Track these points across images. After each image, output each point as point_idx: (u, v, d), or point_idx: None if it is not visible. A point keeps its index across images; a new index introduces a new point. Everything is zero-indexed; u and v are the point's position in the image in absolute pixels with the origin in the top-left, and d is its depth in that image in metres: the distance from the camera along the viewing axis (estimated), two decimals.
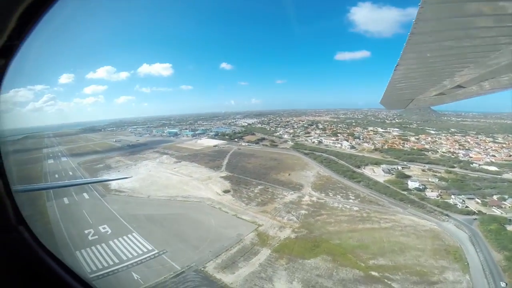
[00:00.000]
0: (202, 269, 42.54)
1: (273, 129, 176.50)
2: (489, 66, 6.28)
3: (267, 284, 39.33)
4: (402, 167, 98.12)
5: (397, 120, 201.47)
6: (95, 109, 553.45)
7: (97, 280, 38.50)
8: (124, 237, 51.10)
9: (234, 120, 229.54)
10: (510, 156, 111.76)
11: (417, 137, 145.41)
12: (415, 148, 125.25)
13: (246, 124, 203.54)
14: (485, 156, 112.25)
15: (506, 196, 72.87)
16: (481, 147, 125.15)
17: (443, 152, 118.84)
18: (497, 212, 65.01)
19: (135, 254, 45.76)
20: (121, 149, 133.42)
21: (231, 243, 50.22)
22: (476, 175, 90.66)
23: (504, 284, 45.29)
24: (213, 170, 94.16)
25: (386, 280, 39.57)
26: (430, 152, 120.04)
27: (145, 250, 47.18)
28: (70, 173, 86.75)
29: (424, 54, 5.97)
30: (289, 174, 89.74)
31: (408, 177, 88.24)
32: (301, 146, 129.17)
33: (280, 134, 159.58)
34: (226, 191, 75.87)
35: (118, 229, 54.00)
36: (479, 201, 70.66)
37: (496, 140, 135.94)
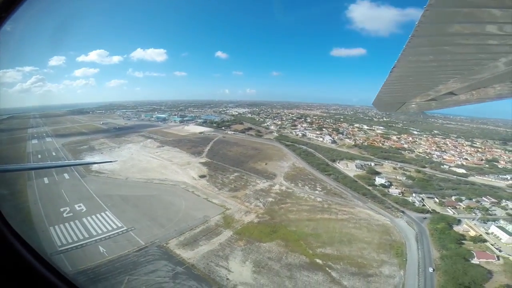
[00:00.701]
0: (165, 245, 46.98)
1: (262, 119, 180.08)
2: (483, 75, 6.35)
3: (222, 262, 44.01)
4: (375, 164, 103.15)
5: (384, 119, 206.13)
6: (86, 92, 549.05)
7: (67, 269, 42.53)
8: (97, 215, 55.08)
9: (225, 109, 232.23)
10: (481, 160, 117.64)
11: (398, 136, 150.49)
12: (393, 146, 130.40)
13: (237, 113, 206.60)
14: (457, 158, 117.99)
15: (464, 198, 78.39)
16: (457, 150, 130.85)
17: (419, 152, 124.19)
18: (450, 212, 70.14)
19: (105, 230, 49.92)
20: (107, 131, 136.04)
21: (197, 224, 54.71)
22: (443, 176, 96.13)
23: (432, 269, 51.11)
24: (194, 156, 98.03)
25: (327, 269, 43.95)
26: (407, 151, 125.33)
27: (114, 227, 51.35)
28: (53, 153, 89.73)
29: (421, 58, 6.00)
30: (265, 164, 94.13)
31: (378, 173, 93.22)
32: (285, 138, 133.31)
33: (267, 125, 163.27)
34: (202, 176, 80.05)
35: (93, 207, 57.85)
36: (437, 200, 75.89)
37: (474, 144, 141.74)
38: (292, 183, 79.57)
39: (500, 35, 4.61)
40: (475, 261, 49.30)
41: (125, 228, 50.94)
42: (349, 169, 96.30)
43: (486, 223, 64.13)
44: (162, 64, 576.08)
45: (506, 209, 73.65)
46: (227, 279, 39.74)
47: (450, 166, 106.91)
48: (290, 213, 62.53)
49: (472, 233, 59.70)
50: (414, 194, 78.41)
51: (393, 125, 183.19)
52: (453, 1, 3.99)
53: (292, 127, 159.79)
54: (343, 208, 66.20)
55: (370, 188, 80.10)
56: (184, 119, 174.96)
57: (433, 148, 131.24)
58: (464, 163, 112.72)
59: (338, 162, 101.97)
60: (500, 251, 53.03)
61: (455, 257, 49.05)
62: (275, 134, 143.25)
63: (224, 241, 49.74)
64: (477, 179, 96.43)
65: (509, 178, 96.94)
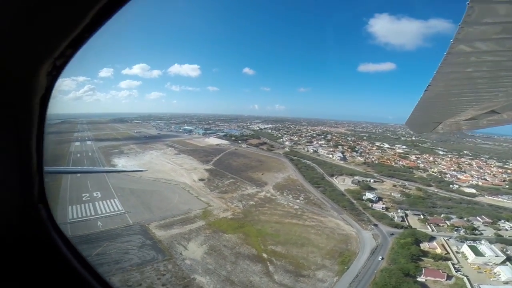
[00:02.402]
0: (147, 225, 60.57)
1: (280, 135, 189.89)
2: None
3: (184, 242, 55.67)
4: (375, 181, 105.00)
5: (413, 138, 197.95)
6: (129, 102, 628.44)
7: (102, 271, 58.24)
8: (107, 200, 71.81)
9: (249, 124, 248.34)
10: (503, 181, 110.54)
11: (418, 156, 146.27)
12: (406, 165, 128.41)
13: (258, 128, 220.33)
14: (475, 179, 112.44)
15: (454, 217, 77.96)
16: (480, 170, 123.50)
17: (433, 172, 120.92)
18: (429, 229, 70.79)
19: (108, 211, 65.86)
20: (138, 139, 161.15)
21: (179, 214, 67.56)
22: (446, 195, 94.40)
23: (381, 257, 55.09)
24: (202, 164, 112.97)
25: (268, 262, 51.13)
26: (419, 170, 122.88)
27: (116, 209, 67.09)
28: (90, 154, 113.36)
29: (458, 75, 5.77)
30: (262, 174, 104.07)
31: (373, 189, 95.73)
32: (294, 153, 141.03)
33: (282, 141, 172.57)
34: (201, 179, 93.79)
35: (106, 195, 75.03)
36: (422, 217, 76.63)
37: (505, 166, 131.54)
38: (278, 192, 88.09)
39: None
40: (421, 278, 49.82)
41: (123, 211, 66.30)
42: (344, 184, 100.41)
43: (464, 242, 63.68)
44: (196, 79, 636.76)
45: (500, 229, 72.16)
46: (180, 253, 51.13)
47: (460, 186, 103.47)
48: (263, 215, 71.46)
49: (438, 250, 60.24)
50: (399, 210, 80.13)
51: (420, 144, 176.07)
52: (488, 15, 3.81)
53: (308, 144, 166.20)
54: (314, 216, 72.49)
55: (354, 201, 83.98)
56: (207, 132, 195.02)
57: (452, 168, 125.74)
58: (481, 183, 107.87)
59: (336, 177, 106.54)
60: (457, 271, 53.53)
61: (396, 272, 49.82)
62: (287, 149, 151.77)
63: (194, 228, 61.41)
64: (486, 199, 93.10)
65: None
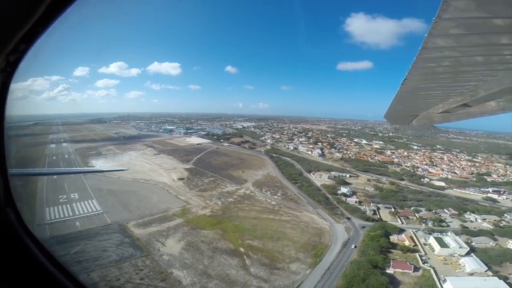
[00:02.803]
0: (125, 224, 61.94)
1: (263, 133, 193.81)
2: (497, 86, 6.33)
3: (162, 239, 57.66)
4: (351, 176, 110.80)
5: (390, 134, 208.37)
6: (107, 102, 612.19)
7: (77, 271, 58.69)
8: (85, 201, 72.15)
9: (232, 123, 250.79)
10: (471, 174, 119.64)
11: (393, 151, 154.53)
12: (381, 160, 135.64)
13: (241, 127, 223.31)
14: (445, 172, 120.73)
15: (423, 209, 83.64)
16: (451, 164, 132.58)
17: (406, 166, 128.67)
18: (398, 222, 75.41)
19: (86, 211, 66.49)
20: (116, 140, 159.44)
21: (157, 212, 69.24)
22: (417, 189, 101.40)
23: (354, 245, 59.46)
24: (182, 163, 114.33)
25: (244, 256, 53.81)
26: (394, 165, 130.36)
27: (94, 210, 67.77)
28: (66, 156, 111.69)
29: (432, 70, 5.99)
30: (242, 172, 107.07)
31: (348, 184, 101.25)
32: (275, 151, 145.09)
33: (264, 139, 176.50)
34: (180, 179, 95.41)
35: (84, 196, 75.24)
36: (393, 210, 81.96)
37: (474, 159, 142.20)
38: (257, 189, 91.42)
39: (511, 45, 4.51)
40: (390, 270, 52.21)
41: (101, 211, 67.15)
42: (321, 179, 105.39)
43: (431, 234, 67.68)
44: (177, 77, 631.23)
45: (465, 221, 77.99)
46: (158, 250, 53.21)
47: (431, 180, 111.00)
48: (241, 212, 74.47)
49: (406, 243, 63.20)
50: (371, 204, 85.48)
51: (396, 140, 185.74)
52: (462, 11, 3.94)
53: (289, 141, 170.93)
54: (290, 211, 76.29)
55: (330, 196, 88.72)
56: (189, 131, 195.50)
57: (424, 162, 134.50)
58: (450, 176, 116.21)
59: (313, 173, 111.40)
60: (424, 262, 56.46)
61: (365, 264, 51.81)
62: (268, 147, 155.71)
63: (172, 226, 63.44)
64: (455, 192, 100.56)
65: (490, 191, 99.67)
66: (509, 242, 64.69)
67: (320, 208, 79.37)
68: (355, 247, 60.58)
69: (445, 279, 50.11)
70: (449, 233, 67.78)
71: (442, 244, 61.81)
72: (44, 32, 1.90)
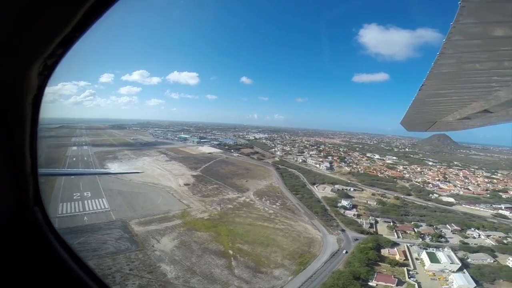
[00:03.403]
0: (127, 221, 68.07)
1: (273, 145, 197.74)
2: None
3: (158, 237, 62.91)
4: (355, 189, 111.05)
5: (406, 150, 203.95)
6: (129, 108, 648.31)
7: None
8: (96, 199, 79.79)
9: (246, 134, 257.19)
10: (486, 190, 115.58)
11: (405, 166, 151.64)
12: (391, 175, 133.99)
13: (253, 138, 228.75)
14: (457, 188, 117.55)
15: (423, 224, 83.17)
16: (466, 180, 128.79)
17: (416, 182, 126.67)
18: (395, 236, 75.58)
19: (95, 208, 73.70)
20: (133, 145, 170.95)
21: (159, 213, 74.92)
22: (422, 204, 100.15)
23: (345, 251, 61.13)
24: (190, 170, 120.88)
25: (232, 258, 57.22)
26: (403, 180, 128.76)
27: (102, 207, 74.93)
28: (85, 158, 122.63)
29: (451, 75, 6.02)
30: (246, 181, 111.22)
31: (350, 197, 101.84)
32: (282, 163, 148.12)
33: (274, 151, 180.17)
34: (186, 184, 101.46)
35: (96, 195, 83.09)
36: (391, 224, 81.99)
37: (492, 176, 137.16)
38: (257, 197, 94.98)
39: None
40: (373, 283, 52.64)
41: (108, 209, 74.11)
42: (324, 192, 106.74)
43: (427, 249, 67.20)
44: (195, 86, 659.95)
45: (467, 237, 76.74)
46: (152, 246, 58.36)
47: (440, 195, 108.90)
48: (238, 218, 78.31)
49: (397, 257, 63.30)
50: (370, 217, 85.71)
51: (411, 156, 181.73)
52: (480, 14, 3.92)
53: (298, 154, 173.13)
54: (286, 220, 78.85)
55: (328, 208, 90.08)
56: (202, 140, 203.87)
57: (437, 178, 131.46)
58: (462, 192, 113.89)
59: (317, 186, 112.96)
60: (411, 277, 56.48)
61: (347, 274, 52.91)
62: (277, 159, 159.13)
63: (170, 226, 68.63)
64: (463, 208, 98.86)
65: (503, 207, 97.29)
66: (509, 260, 63.19)
67: (316, 219, 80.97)
68: (346, 252, 62.81)
69: None
70: (445, 249, 67.08)
71: (433, 259, 61.53)
72: (80, 38, 2.03)
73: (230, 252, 60.34)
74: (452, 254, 64.25)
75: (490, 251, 67.64)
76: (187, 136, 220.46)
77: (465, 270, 58.34)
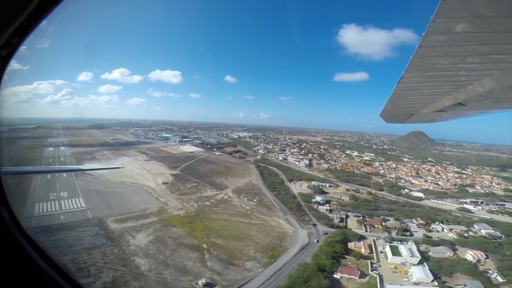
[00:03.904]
0: (104, 219, 70.39)
1: (256, 144, 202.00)
2: (492, 85, 6.50)
3: (133, 233, 65.70)
4: (330, 185, 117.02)
5: (385, 147, 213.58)
6: (109, 108, 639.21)
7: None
8: (72, 199, 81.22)
9: (230, 132, 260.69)
10: (454, 185, 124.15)
11: (381, 163, 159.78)
12: (367, 172, 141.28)
13: (237, 137, 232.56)
14: (428, 183, 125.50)
15: (391, 219, 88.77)
16: (437, 176, 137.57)
17: (390, 177, 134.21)
18: (362, 230, 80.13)
19: (71, 207, 75.42)
20: (112, 145, 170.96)
21: (136, 211, 77.49)
22: (393, 199, 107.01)
23: (316, 240, 64.89)
24: (170, 169, 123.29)
25: (205, 252, 60.71)
26: (378, 176, 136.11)
27: (79, 206, 76.69)
28: (62, 159, 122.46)
29: (429, 68, 6.25)
30: (226, 179, 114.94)
31: (325, 193, 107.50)
32: (263, 161, 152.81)
33: (257, 149, 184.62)
34: (165, 183, 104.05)
35: (72, 195, 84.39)
36: (361, 219, 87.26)
37: (463, 171, 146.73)
38: (235, 194, 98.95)
39: (510, 44, 4.70)
40: (337, 275, 56.04)
41: (85, 208, 76.01)
42: (300, 188, 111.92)
43: (392, 243, 71.08)
44: (178, 85, 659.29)
45: (431, 231, 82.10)
46: (128, 241, 61.26)
47: (411, 190, 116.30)
48: (214, 214, 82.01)
49: (363, 250, 66.94)
50: (341, 212, 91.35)
51: (388, 152, 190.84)
52: (460, 10, 4.10)
53: (280, 152, 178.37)
54: (261, 216, 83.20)
55: (303, 204, 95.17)
56: (184, 139, 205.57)
57: (410, 174, 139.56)
58: (432, 187, 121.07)
59: (294, 182, 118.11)
60: (373, 270, 59.68)
61: (312, 267, 56.16)
62: (258, 157, 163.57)
63: (146, 223, 71.46)
64: (431, 202, 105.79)
65: (468, 201, 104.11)
66: (467, 253, 67.08)
67: (290, 215, 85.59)
68: (318, 241, 68.22)
69: (385, 287, 53.63)
70: (408, 242, 71.02)
71: (395, 252, 65.34)
72: (36, 27, 1.90)
73: (204, 246, 63.96)
74: (413, 247, 68.19)
75: (450, 244, 72.18)
76: (169, 135, 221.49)
77: (425, 263, 61.76)
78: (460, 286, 55.34)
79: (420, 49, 5.12)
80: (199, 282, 49.72)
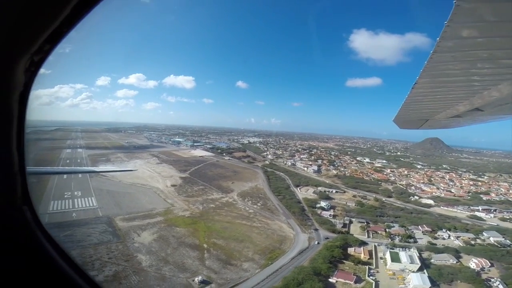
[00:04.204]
0: (113, 217, 74.82)
1: (266, 149, 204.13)
2: (510, 90, 6.44)
3: (139, 231, 69.52)
4: (337, 191, 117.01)
5: (398, 153, 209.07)
6: (125, 112, 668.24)
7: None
8: (85, 198, 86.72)
9: (240, 137, 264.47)
10: (468, 193, 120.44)
11: (393, 170, 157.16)
12: (376, 178, 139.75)
13: (247, 142, 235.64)
14: (440, 191, 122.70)
15: (396, 225, 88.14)
16: (450, 183, 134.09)
17: (400, 184, 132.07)
18: (365, 236, 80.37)
19: (84, 206, 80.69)
20: (126, 148, 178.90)
21: (143, 211, 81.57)
22: (400, 206, 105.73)
23: (317, 242, 65.93)
24: (179, 172, 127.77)
25: (205, 251, 63.44)
26: (388, 183, 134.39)
27: (91, 205, 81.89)
28: (78, 160, 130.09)
29: (444, 74, 6.21)
30: (232, 183, 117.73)
31: (331, 199, 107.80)
32: (271, 166, 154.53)
33: (266, 154, 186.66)
34: (173, 185, 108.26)
35: (86, 194, 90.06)
36: (364, 225, 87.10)
37: (479, 179, 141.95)
38: (240, 198, 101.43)
39: None
40: (333, 279, 57.29)
41: (96, 207, 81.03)
42: (306, 193, 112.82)
43: (393, 249, 71.17)
44: (191, 90, 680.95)
45: (437, 238, 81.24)
46: (133, 239, 65.01)
47: (420, 197, 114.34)
48: (218, 216, 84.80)
49: (362, 255, 67.55)
50: (345, 218, 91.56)
51: (402, 159, 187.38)
52: (474, 15, 4.04)
53: (289, 157, 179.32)
54: (263, 219, 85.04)
55: (307, 208, 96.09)
56: (195, 144, 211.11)
57: (422, 181, 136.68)
58: (443, 195, 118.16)
59: (300, 188, 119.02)
60: (370, 275, 60.33)
61: (308, 270, 57.43)
62: (267, 162, 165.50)
63: (152, 222, 75.21)
64: (441, 209, 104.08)
65: (480, 209, 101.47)
66: (471, 261, 66.33)
67: (292, 219, 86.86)
68: (318, 243, 70.25)
69: None
70: (411, 249, 70.69)
71: (395, 258, 65.58)
72: (68, 33, 2.03)
73: (205, 245, 66.66)
74: (414, 254, 67.94)
75: (455, 252, 71.30)
76: (181, 139, 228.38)
77: (425, 270, 61.70)
78: None
79: (434, 54, 5.15)
80: (196, 279, 52.16)
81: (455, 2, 3.69)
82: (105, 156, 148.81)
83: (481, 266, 63.66)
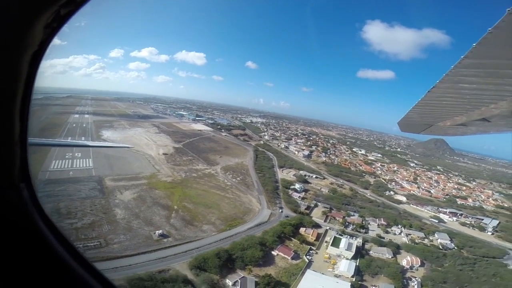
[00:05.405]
0: (103, 177, 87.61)
1: (265, 129, 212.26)
2: None
3: (122, 190, 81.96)
4: (317, 177, 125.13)
5: (398, 149, 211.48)
6: (136, 83, 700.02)
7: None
8: (84, 159, 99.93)
9: (244, 116, 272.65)
10: (446, 195, 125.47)
11: (383, 164, 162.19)
12: (362, 170, 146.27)
13: (249, 121, 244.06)
14: (419, 190, 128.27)
15: (356, 215, 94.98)
16: (434, 184, 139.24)
17: (383, 179, 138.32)
18: (322, 220, 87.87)
19: (80, 166, 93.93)
20: (130, 117, 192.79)
21: (131, 173, 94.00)
22: (371, 198, 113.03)
23: (281, 210, 76.83)
24: (174, 143, 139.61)
25: (173, 212, 74.18)
26: (372, 176, 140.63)
27: (87, 166, 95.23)
28: (84, 125, 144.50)
29: (466, 80, 6.13)
30: (220, 157, 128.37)
31: (308, 183, 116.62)
32: (264, 146, 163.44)
33: (263, 135, 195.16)
34: (164, 154, 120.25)
35: (85, 156, 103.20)
36: (326, 210, 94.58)
37: (466, 184, 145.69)
38: (222, 171, 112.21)
39: None
40: (274, 252, 64.66)
41: (91, 167, 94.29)
42: (287, 175, 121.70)
43: (341, 235, 76.94)
44: (202, 67, 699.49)
45: (388, 232, 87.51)
46: (115, 196, 77.55)
47: (395, 193, 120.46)
48: (197, 184, 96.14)
49: (310, 237, 74.47)
50: (314, 201, 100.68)
51: (398, 155, 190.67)
52: None
53: (285, 140, 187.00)
54: (236, 192, 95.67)
55: (281, 188, 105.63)
56: (197, 118, 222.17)
57: (406, 178, 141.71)
58: (420, 194, 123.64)
59: (283, 169, 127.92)
60: (307, 255, 66.57)
61: (255, 240, 64.77)
62: (261, 142, 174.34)
63: (136, 184, 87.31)
64: (409, 207, 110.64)
65: (447, 211, 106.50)
66: (405, 259, 70.62)
67: (263, 195, 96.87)
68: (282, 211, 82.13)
69: (305, 271, 59.89)
70: (355, 238, 76.11)
71: (335, 244, 71.56)
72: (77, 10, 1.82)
73: (175, 207, 78.03)
74: (354, 242, 72.77)
75: (396, 247, 75.91)
76: (184, 113, 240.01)
77: (358, 260, 66.86)
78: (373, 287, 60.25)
79: (464, 59, 5.08)
80: (156, 232, 63.91)
81: (508, 10, 3.75)
82: (109, 122, 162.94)
83: (411, 264, 68.69)
